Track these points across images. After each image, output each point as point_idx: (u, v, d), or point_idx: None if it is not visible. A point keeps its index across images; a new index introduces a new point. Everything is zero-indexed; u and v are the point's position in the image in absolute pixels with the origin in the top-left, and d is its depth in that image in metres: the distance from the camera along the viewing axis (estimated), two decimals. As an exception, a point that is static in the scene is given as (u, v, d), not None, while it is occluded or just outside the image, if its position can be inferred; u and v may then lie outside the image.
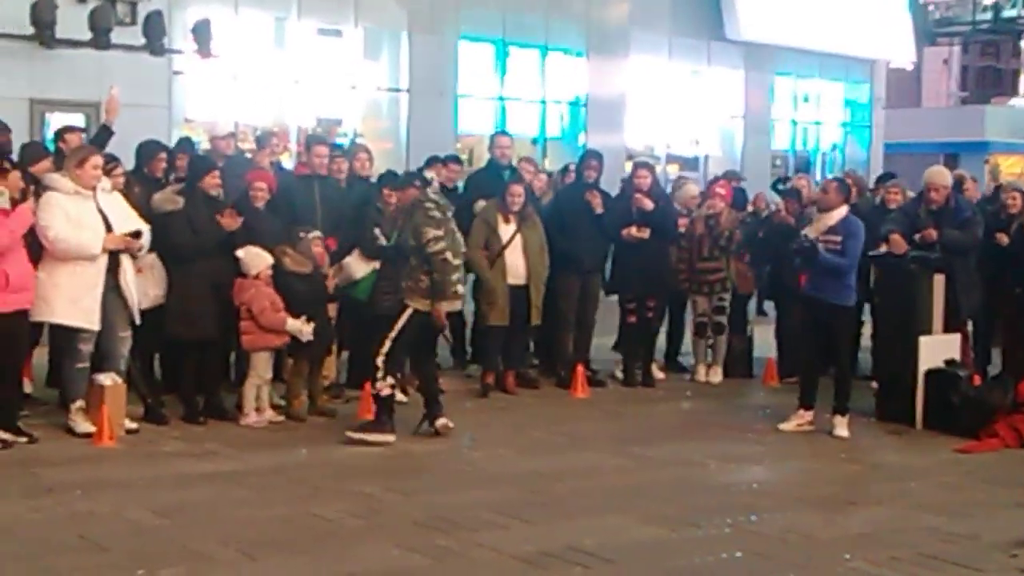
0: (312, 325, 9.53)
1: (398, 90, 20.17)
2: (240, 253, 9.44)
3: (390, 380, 9.12)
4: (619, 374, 11.99)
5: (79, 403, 8.96)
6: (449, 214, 9.40)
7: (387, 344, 9.08)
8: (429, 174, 12.19)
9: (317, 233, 9.93)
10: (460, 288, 9.48)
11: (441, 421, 9.41)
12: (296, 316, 9.50)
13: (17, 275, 8.48)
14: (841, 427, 9.92)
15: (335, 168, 10.92)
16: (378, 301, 10.04)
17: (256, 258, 9.44)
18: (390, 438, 9.06)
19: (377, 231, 10.15)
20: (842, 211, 9.88)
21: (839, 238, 9.77)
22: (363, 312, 10.26)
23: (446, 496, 7.81)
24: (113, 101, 10.37)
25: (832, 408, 10.01)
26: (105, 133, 10.25)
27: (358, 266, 10.24)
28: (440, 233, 9.12)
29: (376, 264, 10.18)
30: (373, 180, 11.08)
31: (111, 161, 9.44)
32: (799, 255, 9.95)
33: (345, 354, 10.85)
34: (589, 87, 22.16)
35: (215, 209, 9.51)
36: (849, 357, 10.42)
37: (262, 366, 9.60)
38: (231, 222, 9.47)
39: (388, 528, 7.06)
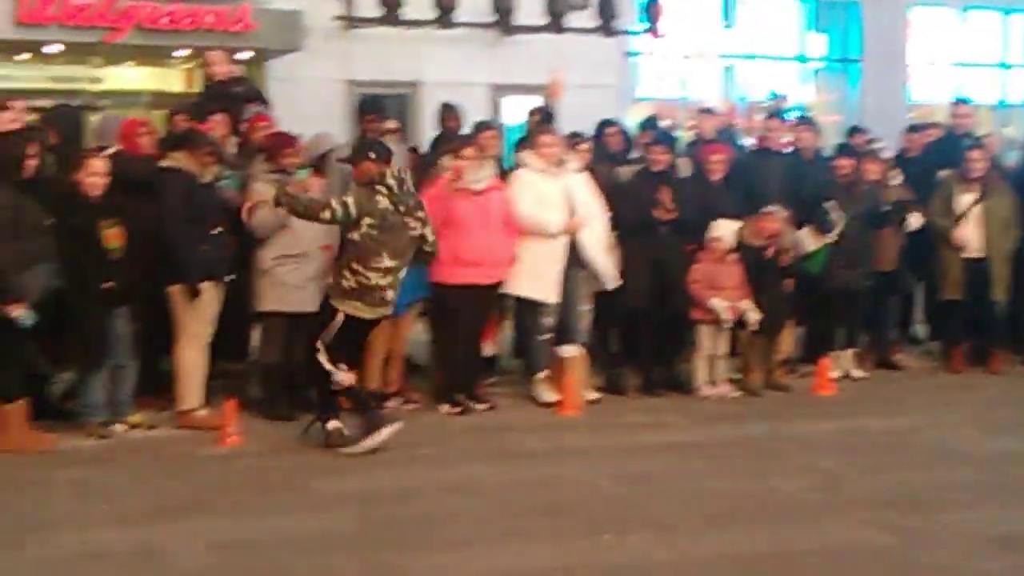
0: (736, 311, 9.47)
1: (847, 60, 19.73)
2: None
3: (343, 369, 7.87)
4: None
5: (544, 373, 9.33)
6: (402, 208, 7.83)
7: (320, 344, 7.80)
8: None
9: (769, 208, 9.85)
10: (389, 294, 7.91)
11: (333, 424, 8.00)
12: (753, 288, 9.49)
13: (472, 250, 8.85)
14: None
15: (798, 140, 10.87)
16: (833, 275, 9.86)
17: (718, 230, 9.52)
18: (385, 432, 7.80)
19: (832, 203, 9.97)
20: None
21: None
22: (817, 286, 10.12)
23: (908, 474, 7.59)
24: (557, 84, 10.62)
25: None
26: (547, 115, 10.54)
27: (809, 239, 10.09)
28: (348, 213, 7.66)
29: (831, 237, 10.00)
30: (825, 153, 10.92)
31: (574, 137, 9.78)
32: None
33: (800, 329, 10.73)
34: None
35: (659, 184, 9.58)
36: None
37: (704, 339, 9.68)
38: (666, 206, 9.49)
39: (850, 504, 6.93)
